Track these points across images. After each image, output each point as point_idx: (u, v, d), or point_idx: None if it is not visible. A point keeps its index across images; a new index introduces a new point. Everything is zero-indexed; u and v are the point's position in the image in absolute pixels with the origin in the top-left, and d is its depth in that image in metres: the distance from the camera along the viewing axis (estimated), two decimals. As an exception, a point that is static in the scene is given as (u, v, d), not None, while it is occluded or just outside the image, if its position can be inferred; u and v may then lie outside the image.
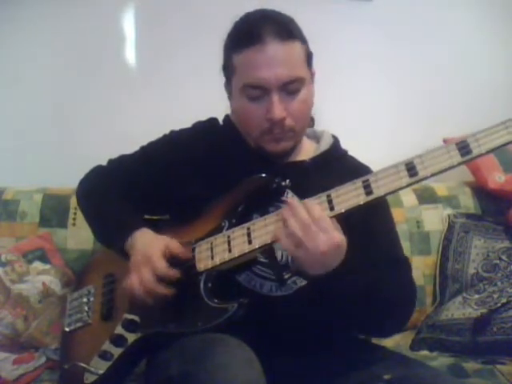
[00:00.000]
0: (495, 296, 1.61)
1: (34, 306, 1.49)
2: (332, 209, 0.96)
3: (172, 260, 1.09)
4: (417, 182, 0.93)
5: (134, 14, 1.95)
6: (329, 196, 0.97)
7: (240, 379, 0.87)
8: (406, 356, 1.23)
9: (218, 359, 0.90)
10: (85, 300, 1.25)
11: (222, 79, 1.26)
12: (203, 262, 1.07)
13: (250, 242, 1.02)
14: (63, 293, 1.53)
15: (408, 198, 1.81)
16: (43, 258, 1.60)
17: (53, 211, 1.70)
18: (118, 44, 1.94)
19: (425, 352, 1.63)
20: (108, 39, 1.92)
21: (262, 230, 1.02)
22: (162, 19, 1.92)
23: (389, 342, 1.63)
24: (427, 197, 1.84)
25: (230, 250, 1.04)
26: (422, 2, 2.05)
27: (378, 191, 0.94)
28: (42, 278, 1.54)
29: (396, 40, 2.02)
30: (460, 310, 1.62)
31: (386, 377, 1.02)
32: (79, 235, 1.67)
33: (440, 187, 1.87)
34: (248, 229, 1.04)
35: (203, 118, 1.31)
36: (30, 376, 1.45)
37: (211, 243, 1.08)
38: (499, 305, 1.59)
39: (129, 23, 1.95)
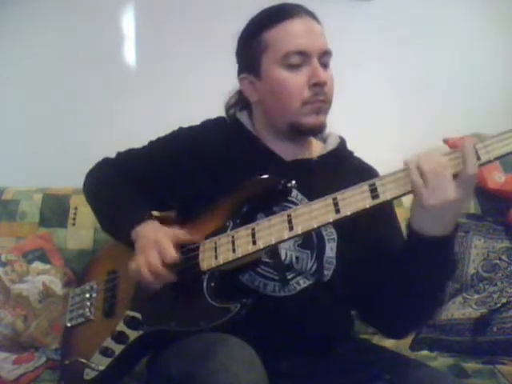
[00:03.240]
0: (495, 296, 1.61)
1: (34, 305, 1.49)
2: (338, 211, 0.96)
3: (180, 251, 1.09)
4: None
5: (133, 13, 1.95)
6: (335, 199, 0.97)
7: (241, 380, 0.87)
8: (406, 356, 1.23)
9: (220, 360, 0.89)
10: (87, 296, 1.25)
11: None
12: (207, 261, 1.07)
13: (254, 243, 1.02)
14: (63, 293, 1.53)
15: (408, 197, 1.79)
16: (43, 258, 1.60)
17: (53, 211, 1.70)
18: (118, 43, 1.95)
19: (425, 352, 1.63)
20: (108, 39, 1.92)
21: (267, 230, 1.02)
22: (162, 19, 1.92)
23: (389, 342, 1.63)
24: (427, 197, 1.84)
25: (233, 250, 1.04)
26: (421, 2, 2.05)
27: (385, 196, 0.94)
28: (41, 278, 1.54)
29: (396, 40, 2.02)
30: (460, 310, 1.62)
31: (386, 377, 1.03)
32: (79, 235, 1.67)
33: (440, 187, 1.87)
34: (252, 229, 1.04)
35: (203, 117, 1.31)
36: (30, 376, 1.45)
37: (215, 242, 1.07)
38: (499, 305, 1.59)
39: (129, 23, 1.95)
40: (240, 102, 1.30)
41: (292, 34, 1.12)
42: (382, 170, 1.21)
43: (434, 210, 0.93)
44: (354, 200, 0.95)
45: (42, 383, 1.44)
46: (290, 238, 1.01)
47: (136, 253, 1.10)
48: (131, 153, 1.32)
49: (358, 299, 1.17)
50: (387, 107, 2.04)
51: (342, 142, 1.28)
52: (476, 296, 1.63)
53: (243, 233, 1.05)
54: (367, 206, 0.94)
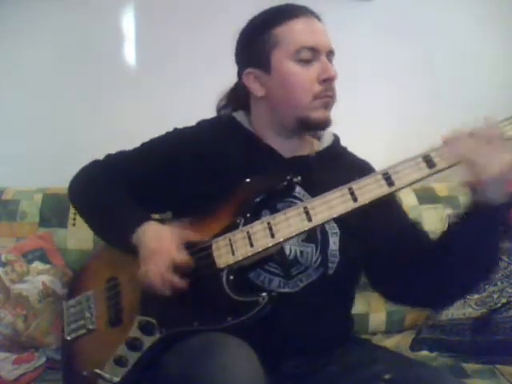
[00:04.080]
0: (495, 296, 1.61)
1: (34, 305, 1.49)
2: (355, 200, 1.00)
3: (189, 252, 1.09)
4: (436, 172, 0.99)
5: (133, 13, 1.95)
6: (350, 189, 1.01)
7: (238, 378, 0.87)
8: (406, 356, 1.24)
9: (217, 360, 0.89)
10: (85, 306, 1.22)
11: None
12: (223, 258, 1.07)
13: (272, 236, 1.04)
14: (63, 293, 1.53)
15: (408, 197, 1.81)
16: (43, 258, 1.60)
17: (53, 211, 1.70)
18: (118, 44, 1.95)
19: (425, 352, 1.63)
20: (108, 39, 1.92)
21: (284, 223, 1.04)
22: (162, 19, 1.92)
23: (389, 342, 1.64)
24: (427, 197, 1.84)
25: (251, 245, 1.05)
26: (421, 2, 2.05)
27: (400, 182, 0.98)
28: (41, 278, 1.54)
29: (396, 40, 2.02)
30: (460, 309, 1.62)
31: (386, 377, 1.03)
32: (79, 235, 1.66)
33: (440, 187, 1.87)
34: (268, 223, 1.05)
35: (203, 117, 1.31)
36: (30, 376, 1.45)
37: (229, 239, 1.08)
38: (499, 305, 1.59)
39: (129, 22, 1.95)
40: (233, 102, 1.31)
41: (303, 31, 1.15)
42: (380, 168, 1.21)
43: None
44: (371, 188, 0.99)
45: (42, 383, 1.45)
46: (310, 229, 1.04)
47: (142, 262, 1.08)
48: (123, 155, 1.30)
49: (389, 280, 1.19)
50: (387, 107, 2.04)
51: (336, 139, 1.30)
52: (476, 296, 1.63)
53: (259, 227, 1.06)
54: (385, 193, 0.99)
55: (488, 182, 0.95)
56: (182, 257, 1.06)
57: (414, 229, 1.21)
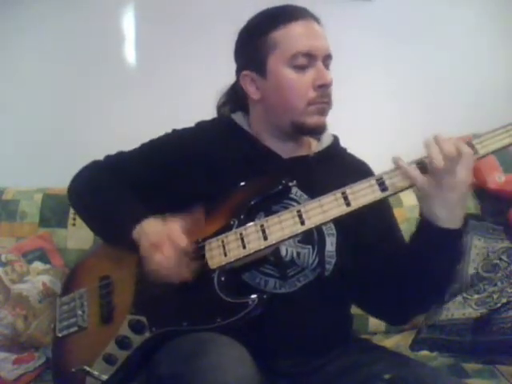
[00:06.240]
0: (495, 296, 1.61)
1: (34, 305, 1.49)
2: (349, 205, 1.01)
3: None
4: None
5: (134, 13, 1.95)
6: (344, 193, 1.01)
7: (230, 379, 0.87)
8: (406, 356, 1.24)
9: (209, 359, 0.90)
10: (77, 304, 1.22)
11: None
12: (216, 259, 1.08)
13: (265, 238, 1.04)
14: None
15: (408, 197, 1.81)
16: (43, 258, 1.60)
17: (53, 211, 1.70)
18: (118, 44, 1.95)
19: (425, 352, 1.63)
20: (108, 39, 1.92)
21: (278, 225, 1.04)
22: (162, 19, 1.92)
23: (389, 342, 1.64)
24: (427, 197, 1.84)
25: (244, 247, 1.06)
26: (421, 2, 2.05)
27: (393, 188, 1.00)
28: (41, 278, 1.54)
29: (396, 40, 2.02)
30: (460, 310, 1.62)
31: (386, 377, 1.03)
32: (79, 235, 1.67)
33: (440, 187, 1.87)
34: (261, 226, 1.06)
35: (203, 118, 1.31)
36: (30, 376, 1.45)
37: (222, 241, 1.08)
38: (499, 305, 1.59)
39: (129, 23, 1.95)
40: (232, 101, 1.31)
41: (301, 35, 1.14)
42: (381, 169, 1.21)
43: (449, 193, 0.97)
44: (364, 193, 1.00)
45: (41, 383, 1.45)
46: (303, 232, 1.04)
47: (144, 253, 1.09)
48: (123, 156, 1.30)
49: (360, 290, 1.19)
50: (387, 107, 2.04)
51: (336, 140, 1.30)
52: (476, 296, 1.63)
53: (252, 229, 1.07)
54: (377, 199, 1.00)
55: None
56: (186, 241, 1.06)
57: (396, 236, 1.22)
